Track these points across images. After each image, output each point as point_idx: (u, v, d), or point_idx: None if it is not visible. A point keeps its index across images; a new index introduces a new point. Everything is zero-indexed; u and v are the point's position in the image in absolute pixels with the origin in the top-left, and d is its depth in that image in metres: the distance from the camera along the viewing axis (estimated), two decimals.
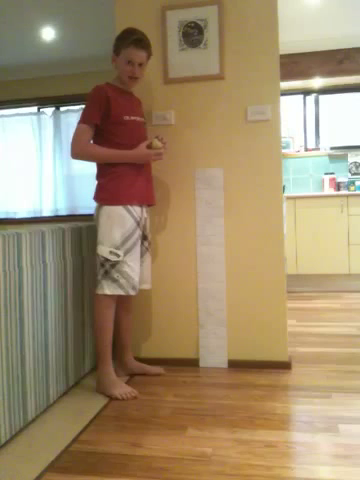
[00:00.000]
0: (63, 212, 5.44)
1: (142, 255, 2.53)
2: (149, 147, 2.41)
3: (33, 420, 2.08)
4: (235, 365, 2.71)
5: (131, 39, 2.38)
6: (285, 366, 2.66)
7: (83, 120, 2.37)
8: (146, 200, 2.51)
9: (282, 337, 2.69)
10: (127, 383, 2.49)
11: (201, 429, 1.98)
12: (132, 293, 2.40)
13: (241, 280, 2.72)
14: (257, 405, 2.20)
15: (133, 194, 2.41)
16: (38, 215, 5.45)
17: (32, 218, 5.39)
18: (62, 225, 2.43)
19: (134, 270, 2.40)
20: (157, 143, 2.41)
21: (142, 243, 2.53)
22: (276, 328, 2.69)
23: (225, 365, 2.73)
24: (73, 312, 2.46)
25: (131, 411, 2.19)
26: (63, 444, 1.88)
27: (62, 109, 5.48)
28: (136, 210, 2.42)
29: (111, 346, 2.43)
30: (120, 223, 2.36)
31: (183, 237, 2.78)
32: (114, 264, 2.35)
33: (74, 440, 1.92)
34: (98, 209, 2.43)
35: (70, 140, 2.40)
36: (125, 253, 2.36)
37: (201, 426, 2.01)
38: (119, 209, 2.37)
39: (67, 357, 2.40)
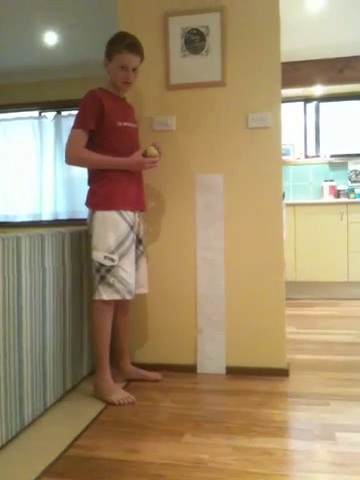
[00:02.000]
0: (63, 216, 5.44)
1: (137, 259, 2.53)
2: (144, 155, 2.40)
3: (30, 424, 2.08)
4: (233, 372, 2.70)
5: (125, 44, 2.36)
6: (283, 373, 2.65)
7: (78, 125, 2.35)
8: (138, 206, 2.50)
9: (281, 344, 2.68)
10: (124, 388, 2.48)
11: (198, 435, 1.98)
12: (128, 297, 2.40)
13: (240, 286, 2.72)
14: (255, 412, 2.19)
15: (126, 199, 2.40)
16: (38, 219, 5.45)
17: (32, 222, 5.39)
18: (62, 229, 2.43)
19: (130, 274, 2.39)
20: (153, 151, 2.40)
21: (137, 247, 2.52)
22: (275, 335, 2.68)
23: (223, 371, 2.72)
24: (71, 316, 2.46)
25: (128, 416, 2.18)
26: (59, 449, 1.87)
27: (63, 113, 5.50)
28: (129, 214, 2.41)
29: (109, 351, 2.43)
30: (114, 228, 2.35)
31: (183, 242, 2.78)
32: (109, 269, 2.34)
33: (70, 445, 1.92)
34: (91, 214, 2.42)
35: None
36: (120, 257, 2.36)
37: (198, 432, 2.00)
38: (112, 214, 2.36)
39: (65, 361, 2.39)
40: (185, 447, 1.88)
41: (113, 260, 2.34)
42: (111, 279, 2.34)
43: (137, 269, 2.51)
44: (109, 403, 2.31)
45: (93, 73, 5.07)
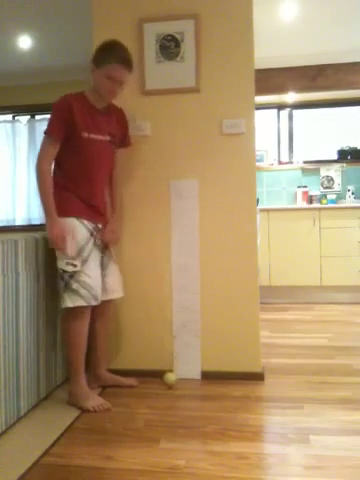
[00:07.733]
0: (36, 221, 5.38)
1: (107, 264, 2.51)
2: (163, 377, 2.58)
3: (3, 433, 2.04)
4: (208, 376, 2.70)
5: (119, 57, 2.31)
6: (258, 377, 2.67)
7: (48, 132, 2.29)
8: (97, 218, 2.44)
9: (255, 348, 2.70)
10: (100, 395, 2.47)
11: (174, 441, 1.97)
12: (94, 303, 2.35)
13: (215, 291, 2.73)
14: (230, 417, 2.20)
15: (81, 209, 2.37)
16: (11, 224, 5.38)
17: (5, 227, 5.32)
18: (35, 234, 2.40)
19: (94, 279, 2.35)
20: (171, 378, 2.56)
21: (104, 252, 2.50)
22: (249, 339, 2.70)
23: (198, 376, 2.72)
24: (45, 323, 2.43)
25: (104, 423, 2.17)
26: (33, 457, 1.85)
27: (37, 117, 5.45)
28: (88, 221, 2.39)
29: (84, 358, 2.40)
30: (73, 233, 2.32)
31: (158, 248, 2.78)
32: (72, 275, 2.31)
33: (45, 453, 1.89)
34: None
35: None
36: (82, 263, 2.33)
37: (174, 438, 2.00)
38: (70, 220, 2.33)
39: (39, 368, 2.36)
40: (161, 453, 1.87)
41: (75, 265, 2.31)
42: (74, 285, 2.31)
43: (108, 275, 2.49)
44: (84, 410, 2.29)
45: (67, 78, 5.07)
